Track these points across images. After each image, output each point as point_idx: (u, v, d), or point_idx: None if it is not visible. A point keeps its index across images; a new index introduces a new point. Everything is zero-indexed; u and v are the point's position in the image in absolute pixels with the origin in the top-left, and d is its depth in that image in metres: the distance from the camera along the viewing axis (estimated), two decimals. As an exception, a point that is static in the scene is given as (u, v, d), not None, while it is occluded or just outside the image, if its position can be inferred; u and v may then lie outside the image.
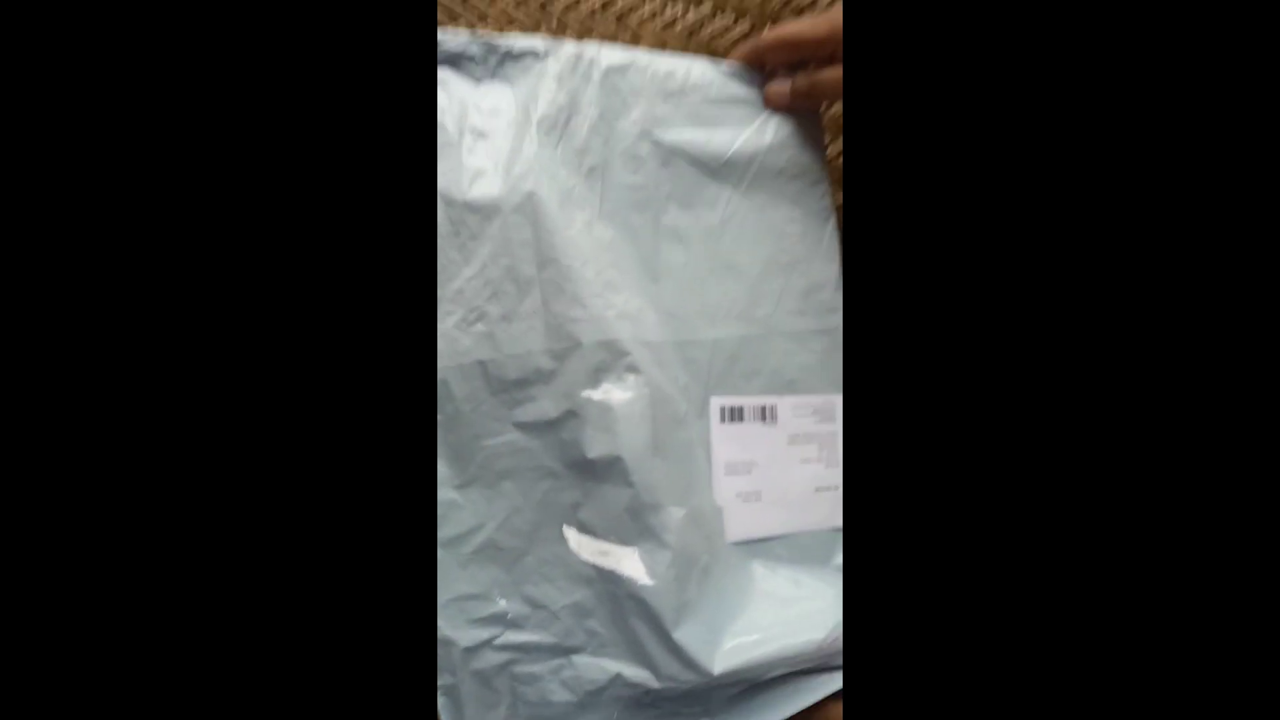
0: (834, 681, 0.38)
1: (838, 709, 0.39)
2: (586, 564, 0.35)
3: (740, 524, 0.38)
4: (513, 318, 0.34)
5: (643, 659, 0.35)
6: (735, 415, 0.38)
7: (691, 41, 0.44)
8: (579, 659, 0.35)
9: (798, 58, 0.37)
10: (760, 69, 0.39)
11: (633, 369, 0.34)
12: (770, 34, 0.37)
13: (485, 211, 0.34)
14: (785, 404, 0.39)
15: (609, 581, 0.35)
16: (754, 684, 0.37)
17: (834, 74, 0.36)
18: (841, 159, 0.52)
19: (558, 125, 0.35)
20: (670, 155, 0.37)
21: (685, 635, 0.34)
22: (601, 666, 0.35)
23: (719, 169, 0.38)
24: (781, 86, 0.38)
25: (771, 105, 0.38)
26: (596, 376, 0.34)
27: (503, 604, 0.35)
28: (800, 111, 0.39)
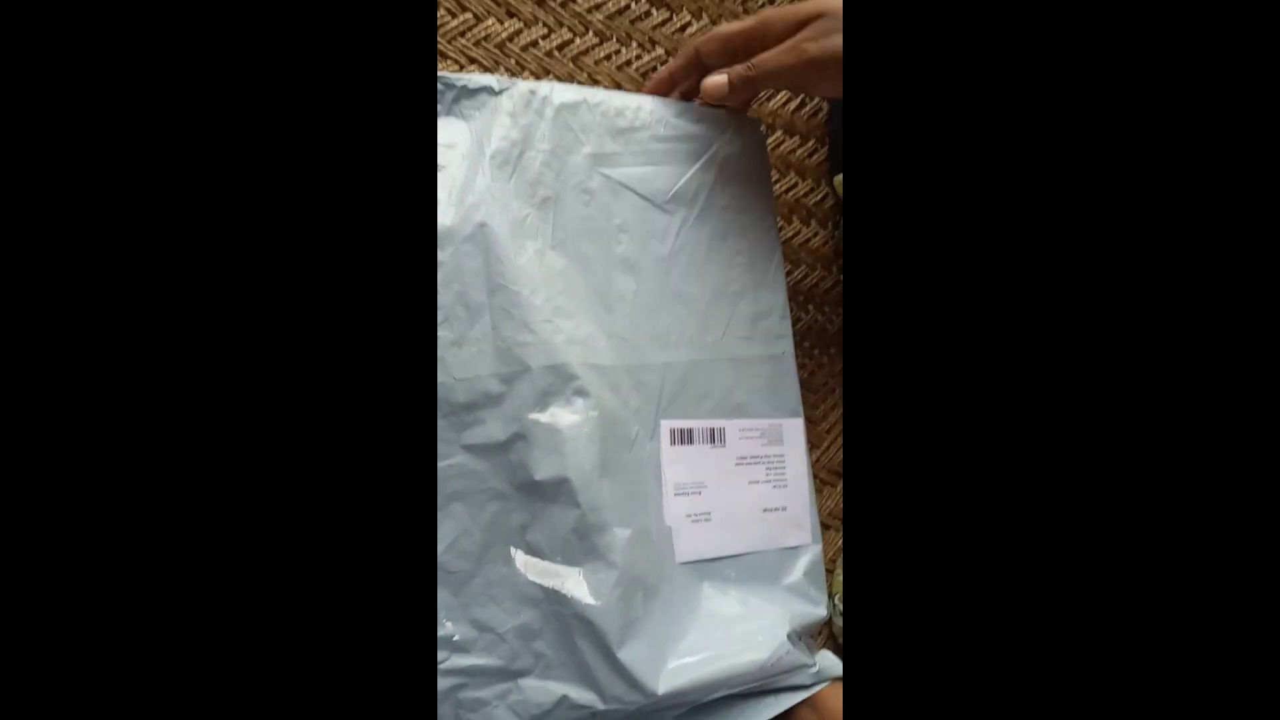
0: (779, 703, 0.39)
1: None
2: (534, 584, 0.36)
3: (690, 544, 0.39)
4: (462, 343, 0.35)
5: (588, 680, 0.35)
6: (685, 438, 0.39)
7: (645, 82, 0.46)
8: (525, 682, 0.36)
9: (733, 52, 0.39)
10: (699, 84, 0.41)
11: (581, 392, 0.36)
12: (706, 35, 0.40)
13: (439, 240, 0.35)
14: (733, 427, 0.40)
15: (556, 602, 0.35)
16: (698, 705, 0.38)
17: (766, 59, 0.38)
18: (797, 194, 0.54)
19: (510, 159, 0.37)
20: (620, 189, 0.39)
21: (630, 655, 0.35)
22: (548, 689, 0.35)
23: (667, 203, 0.39)
24: (719, 78, 0.40)
25: (710, 98, 0.40)
26: (544, 400, 0.35)
27: (449, 627, 0.35)
28: (740, 102, 0.41)
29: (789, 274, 0.53)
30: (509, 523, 0.36)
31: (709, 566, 0.39)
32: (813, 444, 0.55)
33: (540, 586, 0.36)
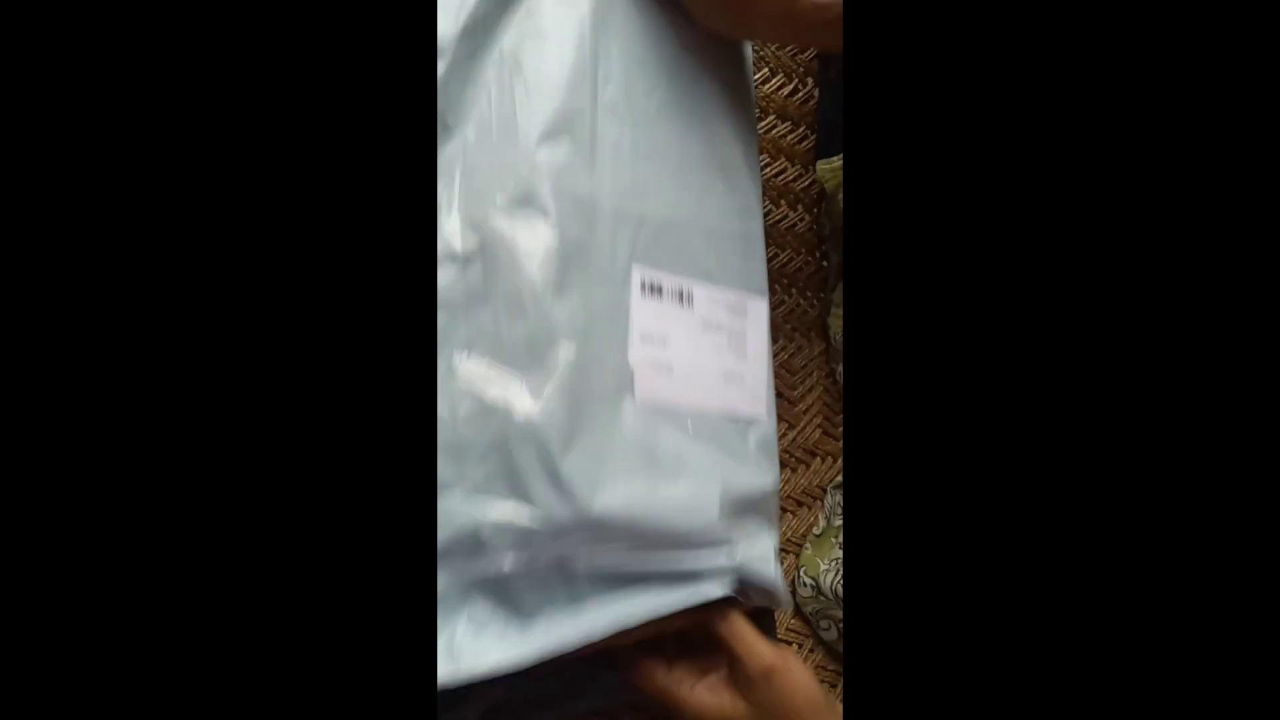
0: (707, 590, 0.38)
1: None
2: (472, 397, 0.35)
3: (649, 388, 0.39)
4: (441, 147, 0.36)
5: (520, 492, 0.34)
6: (655, 290, 0.40)
7: None
8: (446, 505, 0.34)
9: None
10: None
11: (547, 214, 0.36)
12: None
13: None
14: (701, 291, 0.42)
15: (493, 414, 0.35)
16: (624, 578, 0.37)
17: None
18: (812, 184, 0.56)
19: None
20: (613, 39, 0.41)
21: (570, 466, 0.35)
22: (468, 513, 0.34)
23: (656, 64, 0.41)
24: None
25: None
26: (513, 211, 0.36)
27: None
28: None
29: (772, 258, 0.55)
30: (454, 335, 0.36)
31: (666, 414, 0.40)
32: (789, 423, 0.57)
33: (480, 399, 0.35)
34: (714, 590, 0.38)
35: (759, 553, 0.40)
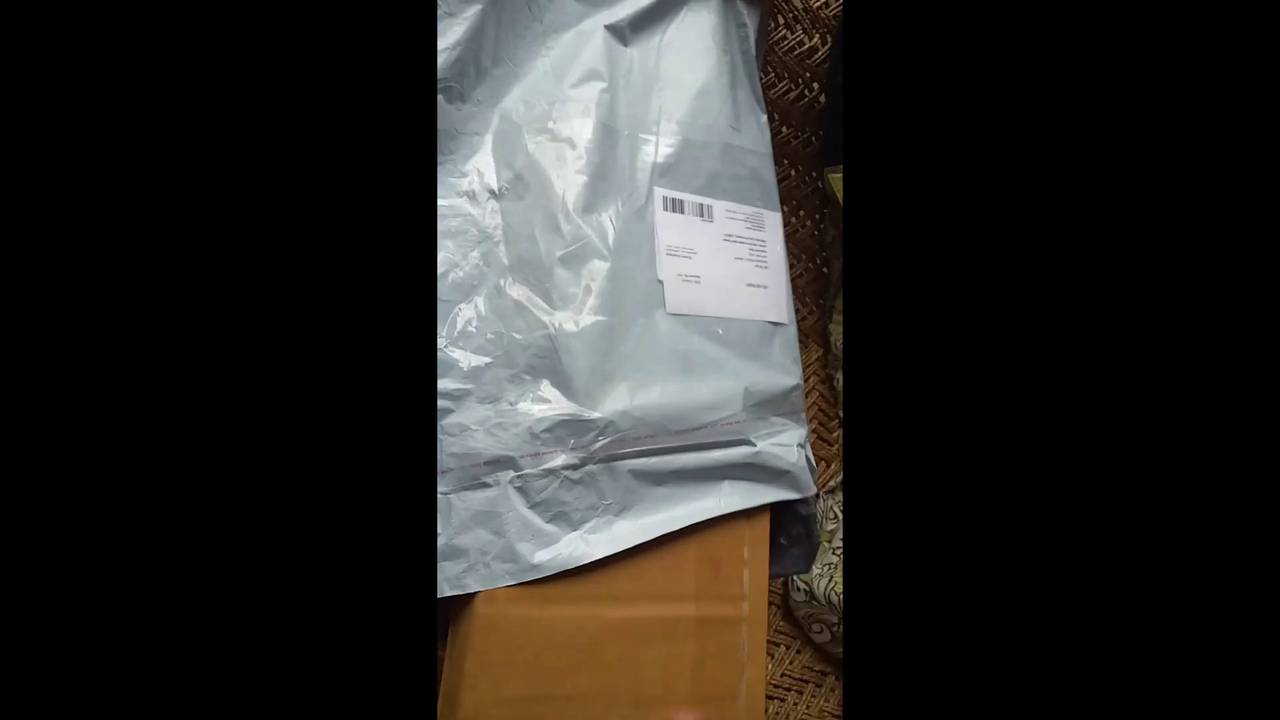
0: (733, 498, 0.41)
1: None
2: (516, 316, 0.38)
3: (679, 298, 0.42)
4: (467, 99, 0.39)
5: (567, 390, 0.37)
6: (677, 207, 0.43)
7: None
8: (501, 407, 0.37)
9: None
10: None
11: (573, 144, 0.39)
12: None
13: None
14: (720, 206, 0.44)
15: (538, 327, 0.38)
16: (661, 477, 0.40)
17: None
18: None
19: None
20: None
21: (612, 371, 0.38)
22: (520, 410, 0.37)
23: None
24: None
25: None
26: (539, 141, 0.39)
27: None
28: None
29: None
30: (497, 260, 0.39)
31: (696, 321, 0.42)
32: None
33: (524, 318, 0.38)
34: (737, 501, 0.41)
35: (783, 441, 0.43)
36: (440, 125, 0.39)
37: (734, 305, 0.44)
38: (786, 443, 0.43)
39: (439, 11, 0.38)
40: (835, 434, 0.58)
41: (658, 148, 0.43)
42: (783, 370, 0.45)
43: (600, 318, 0.38)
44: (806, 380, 0.54)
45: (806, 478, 0.43)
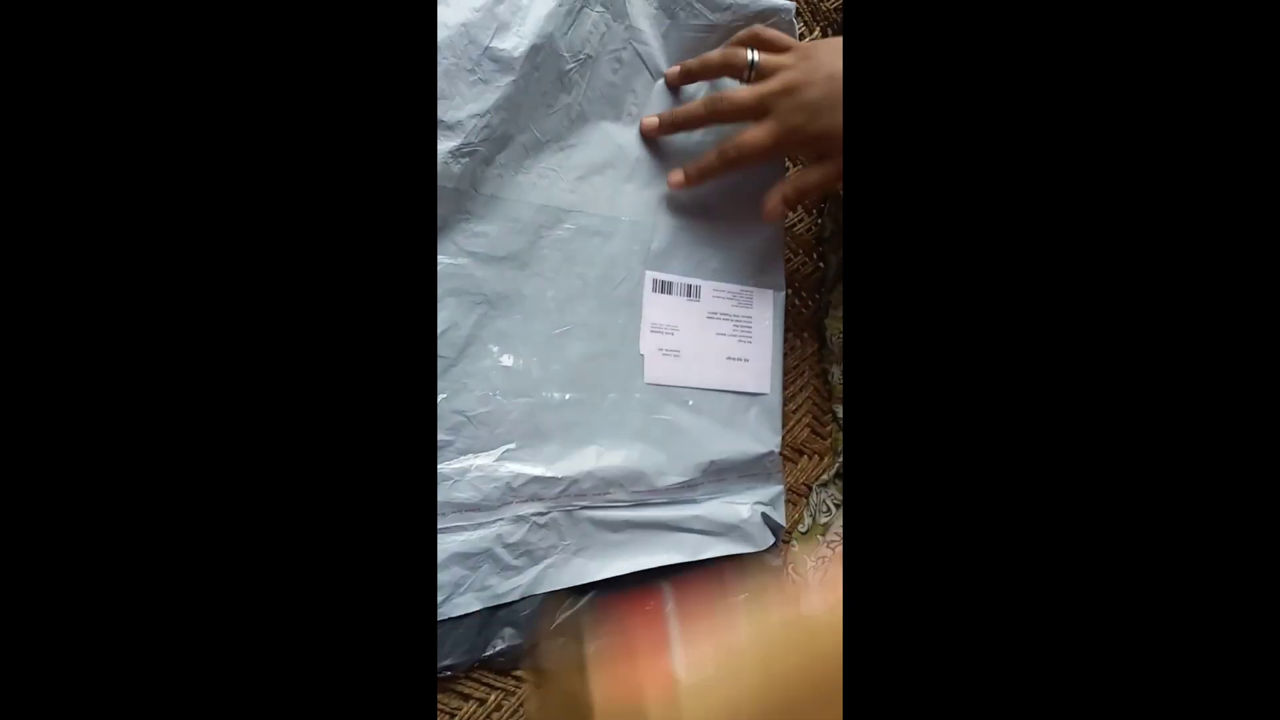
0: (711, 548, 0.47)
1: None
2: (504, 380, 0.42)
3: (658, 370, 0.47)
4: (491, 163, 0.42)
5: (542, 458, 0.43)
6: (665, 288, 0.48)
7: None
8: (481, 460, 0.42)
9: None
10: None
11: (570, 228, 0.44)
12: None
13: (503, 64, 0.40)
14: (708, 286, 0.49)
15: (522, 394, 0.43)
16: (617, 524, 0.45)
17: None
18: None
19: (573, 11, 0.42)
20: (639, 65, 0.47)
21: (585, 436, 0.44)
22: (505, 467, 0.42)
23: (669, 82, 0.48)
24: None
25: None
26: (538, 232, 0.44)
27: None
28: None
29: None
30: (492, 325, 0.42)
31: (671, 392, 0.47)
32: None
33: (510, 383, 0.43)
34: (686, 553, 0.46)
35: (737, 500, 0.48)
36: (458, 185, 0.41)
37: (710, 377, 0.48)
38: (741, 501, 0.48)
39: (473, 78, 0.40)
40: (829, 428, 0.60)
41: (654, 234, 0.48)
42: (754, 438, 0.49)
43: (581, 395, 0.44)
44: (801, 374, 0.57)
45: (761, 532, 0.48)
